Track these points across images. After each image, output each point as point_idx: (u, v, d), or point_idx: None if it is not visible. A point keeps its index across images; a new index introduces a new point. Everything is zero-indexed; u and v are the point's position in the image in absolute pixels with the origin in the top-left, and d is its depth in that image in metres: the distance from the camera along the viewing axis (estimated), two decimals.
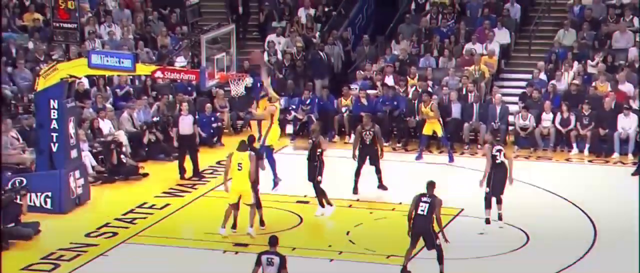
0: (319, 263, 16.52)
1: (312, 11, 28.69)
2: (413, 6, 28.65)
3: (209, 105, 24.07)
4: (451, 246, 15.75)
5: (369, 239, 17.59)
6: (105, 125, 22.56)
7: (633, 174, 21.28)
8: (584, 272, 16.20)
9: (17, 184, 18.25)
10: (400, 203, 18.92)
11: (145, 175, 21.51)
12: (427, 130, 22.26)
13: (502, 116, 23.73)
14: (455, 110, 23.94)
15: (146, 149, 22.80)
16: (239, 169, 17.14)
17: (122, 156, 21.62)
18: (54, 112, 18.85)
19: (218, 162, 22.18)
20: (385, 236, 17.69)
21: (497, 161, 17.51)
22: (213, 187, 20.65)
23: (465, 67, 25.50)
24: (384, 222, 18.62)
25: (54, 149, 18.97)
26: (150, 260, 16.27)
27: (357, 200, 19.59)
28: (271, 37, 27.89)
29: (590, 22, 26.47)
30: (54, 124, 18.89)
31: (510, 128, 23.82)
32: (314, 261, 16.59)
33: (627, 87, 23.93)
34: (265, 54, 27.17)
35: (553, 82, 24.63)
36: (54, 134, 18.93)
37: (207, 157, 22.61)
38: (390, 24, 28.42)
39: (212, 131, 23.84)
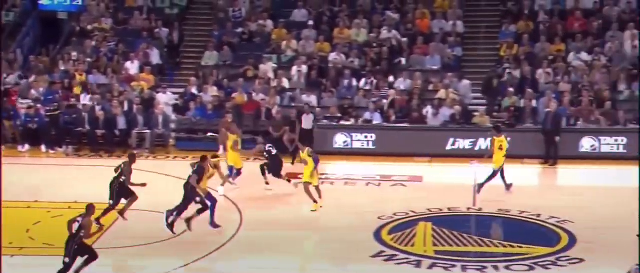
0: None
1: None
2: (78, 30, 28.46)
3: None
4: None
5: (48, 235, 17.32)
6: None
7: None
8: None
9: None
10: (76, 201, 18.85)
11: None
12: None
13: (164, 122, 24.27)
14: (121, 121, 24.00)
15: None
16: None
17: None
18: None
19: None
20: (63, 231, 17.49)
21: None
22: None
23: (131, 83, 25.67)
24: (61, 219, 18.34)
25: None
26: None
27: (35, 201, 19.08)
28: None
29: (230, 45, 27.74)
30: None
31: None
32: None
33: None
34: None
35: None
36: None
37: None
38: (57, 46, 27.96)
39: None
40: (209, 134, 24.21)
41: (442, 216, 17.74)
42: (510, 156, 22.64)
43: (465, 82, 25.56)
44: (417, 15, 28.10)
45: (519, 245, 15.88)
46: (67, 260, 13.79)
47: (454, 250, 15.72)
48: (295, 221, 16.91)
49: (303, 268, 15.58)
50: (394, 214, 17.70)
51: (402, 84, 25.55)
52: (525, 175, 21.90)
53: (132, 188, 17.00)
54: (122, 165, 17.13)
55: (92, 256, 14.04)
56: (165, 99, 25.12)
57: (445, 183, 20.96)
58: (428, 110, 24.31)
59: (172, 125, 24.63)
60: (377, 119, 23.94)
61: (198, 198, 16.19)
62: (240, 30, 28.39)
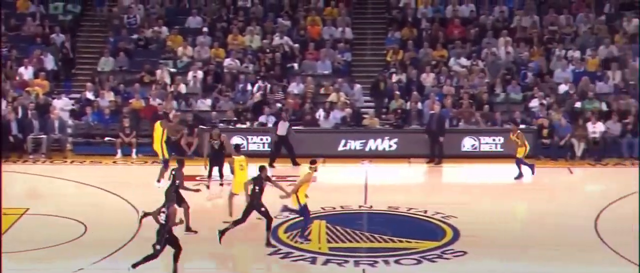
0: None
1: None
2: None
3: None
4: None
5: None
6: None
7: None
8: None
9: None
10: None
11: None
12: None
13: (60, 127, 24.01)
14: (12, 126, 23.63)
15: None
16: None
17: None
18: None
19: None
20: None
21: None
22: None
23: (26, 89, 25.27)
24: None
25: None
26: None
27: None
28: None
29: (125, 51, 27.50)
30: None
31: None
32: None
33: None
34: None
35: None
36: None
37: None
38: None
39: None
40: (107, 139, 24.05)
41: (335, 214, 18.18)
42: (398, 156, 23.45)
43: (357, 86, 26.19)
44: (308, 22, 28.60)
45: (407, 240, 16.44)
46: (157, 247, 14.13)
47: (347, 246, 16.16)
48: (193, 223, 17.04)
49: (201, 267, 15.73)
50: (290, 213, 18.05)
51: (295, 88, 25.97)
52: (412, 174, 22.65)
53: (183, 193, 16.74)
54: (174, 172, 16.84)
55: (178, 249, 14.28)
56: (62, 104, 24.80)
57: (338, 183, 21.47)
58: (320, 113, 24.82)
59: (69, 130, 24.33)
60: (271, 122, 24.26)
61: (263, 209, 16.10)
62: (135, 36, 28.25)
